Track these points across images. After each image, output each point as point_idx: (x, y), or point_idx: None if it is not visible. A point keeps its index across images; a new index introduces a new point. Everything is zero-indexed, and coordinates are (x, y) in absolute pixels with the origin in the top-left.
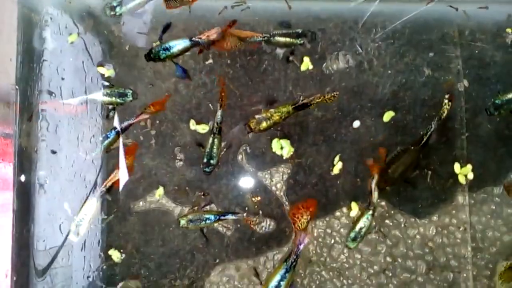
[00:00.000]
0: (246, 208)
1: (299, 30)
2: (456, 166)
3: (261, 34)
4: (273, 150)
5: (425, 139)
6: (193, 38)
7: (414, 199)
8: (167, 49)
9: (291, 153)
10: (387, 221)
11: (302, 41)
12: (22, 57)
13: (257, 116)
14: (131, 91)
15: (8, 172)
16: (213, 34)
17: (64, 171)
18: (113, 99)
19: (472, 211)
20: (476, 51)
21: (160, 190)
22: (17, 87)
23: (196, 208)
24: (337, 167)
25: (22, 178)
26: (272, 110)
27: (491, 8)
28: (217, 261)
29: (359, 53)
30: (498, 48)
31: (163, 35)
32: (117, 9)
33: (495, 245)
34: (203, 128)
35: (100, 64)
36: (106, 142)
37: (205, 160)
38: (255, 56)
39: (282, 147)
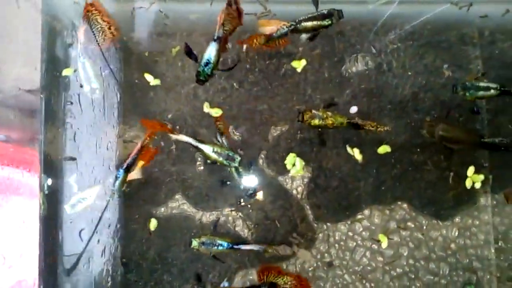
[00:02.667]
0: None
1: (325, 11)
2: (470, 170)
3: (286, 23)
4: (285, 162)
5: (487, 141)
6: (214, 36)
7: (436, 201)
8: (208, 63)
9: (299, 174)
10: (409, 223)
11: (330, 22)
12: (46, 65)
13: (313, 111)
14: (239, 158)
15: (34, 181)
16: (221, 17)
17: (84, 177)
18: (220, 159)
19: (494, 212)
20: (496, 52)
21: (154, 222)
22: (42, 95)
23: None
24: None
25: (49, 181)
26: (329, 113)
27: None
28: (239, 266)
29: (377, 55)
30: None
31: (192, 55)
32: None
33: None
34: (216, 112)
35: (147, 71)
36: (118, 183)
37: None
38: (274, 60)
39: (294, 165)
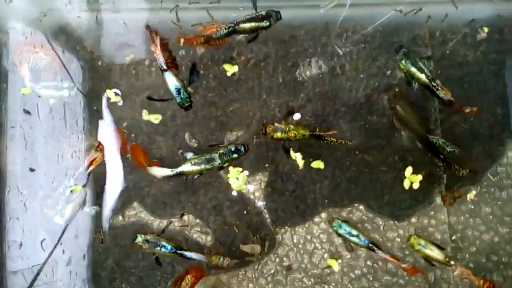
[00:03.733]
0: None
1: (263, 12)
2: (408, 170)
3: (225, 25)
4: (228, 175)
5: (433, 141)
6: (161, 66)
7: (392, 202)
8: (178, 89)
9: (240, 188)
10: (366, 224)
11: (268, 23)
12: None
13: (276, 124)
14: (218, 155)
15: None
16: (156, 48)
17: (44, 188)
18: (203, 167)
19: (450, 211)
20: (448, 52)
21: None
22: None
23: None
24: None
25: None
26: (291, 125)
27: (462, 8)
28: None
29: (331, 59)
30: (470, 48)
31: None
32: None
33: (474, 245)
34: (156, 118)
35: (109, 88)
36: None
37: None
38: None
39: (238, 178)
